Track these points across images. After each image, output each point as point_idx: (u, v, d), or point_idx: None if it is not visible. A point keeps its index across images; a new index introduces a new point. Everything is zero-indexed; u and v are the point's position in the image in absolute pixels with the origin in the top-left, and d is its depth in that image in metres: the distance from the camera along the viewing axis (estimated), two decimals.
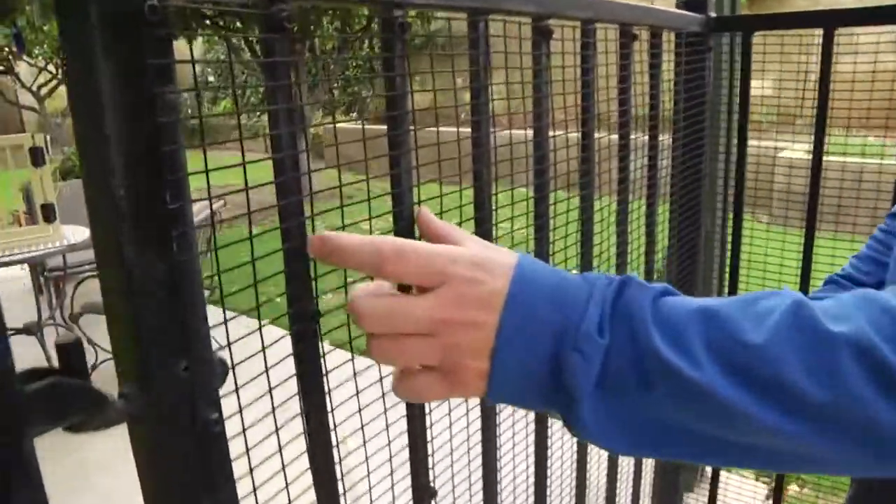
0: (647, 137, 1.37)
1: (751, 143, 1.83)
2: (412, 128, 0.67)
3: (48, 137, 4.43)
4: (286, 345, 0.59)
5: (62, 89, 13.47)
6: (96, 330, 4.10)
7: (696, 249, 1.70)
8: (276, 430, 0.61)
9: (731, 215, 1.84)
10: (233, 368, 0.53)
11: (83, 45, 0.42)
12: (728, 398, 0.44)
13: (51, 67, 13.25)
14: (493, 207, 0.84)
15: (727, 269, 1.88)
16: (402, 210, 0.67)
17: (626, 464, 1.56)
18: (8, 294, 5.61)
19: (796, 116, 2.03)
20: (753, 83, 1.56)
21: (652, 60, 1.30)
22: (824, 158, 1.56)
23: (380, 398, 0.71)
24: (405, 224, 0.67)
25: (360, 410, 0.70)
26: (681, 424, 0.48)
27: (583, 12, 0.98)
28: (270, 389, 0.58)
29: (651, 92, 1.33)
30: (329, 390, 0.64)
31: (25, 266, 4.49)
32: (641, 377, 0.47)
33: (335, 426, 0.66)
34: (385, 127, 0.65)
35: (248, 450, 0.56)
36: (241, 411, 0.54)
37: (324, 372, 0.63)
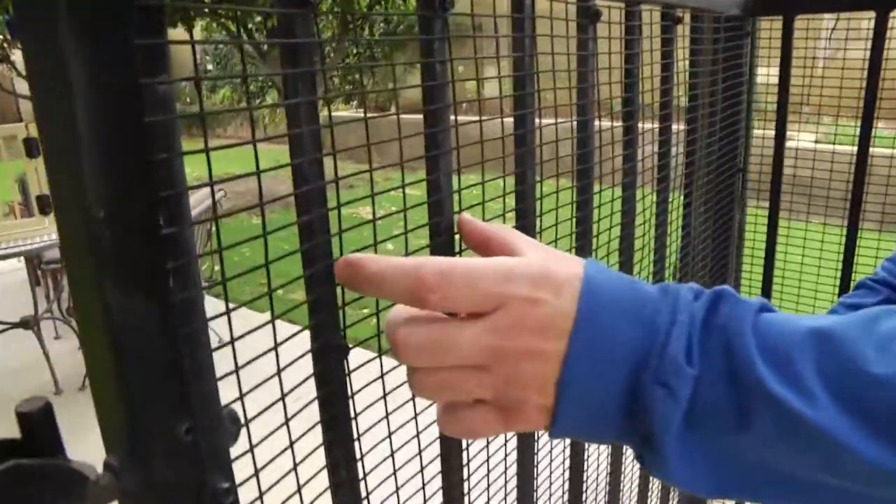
0: (683, 126, 1.26)
1: (756, 131, 1.72)
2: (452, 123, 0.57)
3: None
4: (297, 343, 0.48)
5: None
6: None
7: (729, 244, 1.60)
8: (294, 469, 0.50)
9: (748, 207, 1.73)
10: (237, 371, 0.42)
11: (46, 20, 0.31)
12: (845, 439, 0.36)
13: None
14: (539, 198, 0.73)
15: (742, 264, 1.78)
16: (440, 222, 0.57)
17: (656, 484, 1.47)
18: (4, 287, 5.51)
19: (802, 104, 1.92)
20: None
21: (693, 46, 1.19)
22: (853, 150, 1.45)
23: (412, 420, 0.61)
24: (444, 239, 0.57)
25: (390, 438, 0.60)
26: (782, 466, 0.39)
27: None
28: (287, 422, 0.48)
29: (690, 81, 1.23)
30: (359, 436, 0.53)
31: (22, 258, 4.39)
32: (739, 412, 0.39)
33: (362, 457, 0.56)
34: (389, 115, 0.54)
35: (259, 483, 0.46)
36: (247, 421, 0.44)
37: (352, 415, 0.52)
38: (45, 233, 3.96)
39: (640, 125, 0.98)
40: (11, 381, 4.01)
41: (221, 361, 0.40)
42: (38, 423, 0.34)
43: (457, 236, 0.58)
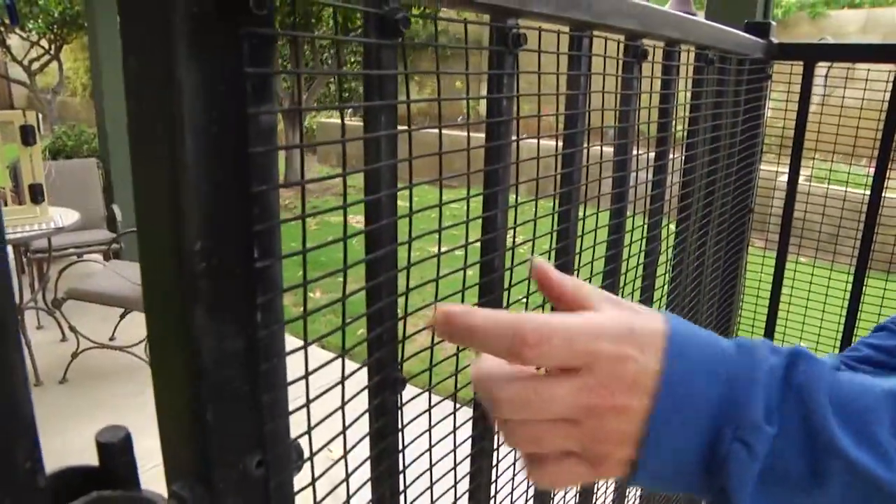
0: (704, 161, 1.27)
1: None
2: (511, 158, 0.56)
3: (40, 116, 4.27)
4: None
5: (54, 65, 13.20)
6: (79, 316, 3.96)
7: (736, 283, 1.60)
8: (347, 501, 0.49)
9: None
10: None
11: (159, 44, 0.31)
12: None
13: (43, 42, 12.97)
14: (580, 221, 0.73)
15: (741, 303, 1.79)
16: (493, 259, 0.56)
17: None
18: None
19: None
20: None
21: (719, 88, 1.20)
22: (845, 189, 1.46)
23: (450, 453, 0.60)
24: (496, 276, 0.56)
25: (431, 470, 0.59)
26: None
27: (672, 31, 0.88)
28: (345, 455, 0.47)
29: (714, 123, 1.23)
30: (404, 468, 0.53)
31: (9, 245, 4.33)
32: (813, 473, 0.39)
33: (405, 489, 0.55)
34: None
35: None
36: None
37: (401, 447, 0.52)
38: (35, 221, 3.91)
39: (671, 155, 0.98)
40: None
41: None
42: (118, 453, 0.33)
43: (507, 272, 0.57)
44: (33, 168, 3.87)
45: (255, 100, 0.33)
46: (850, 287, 1.53)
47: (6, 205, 4.17)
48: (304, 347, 0.38)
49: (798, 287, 1.83)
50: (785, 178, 1.65)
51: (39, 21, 12.50)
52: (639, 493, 1.39)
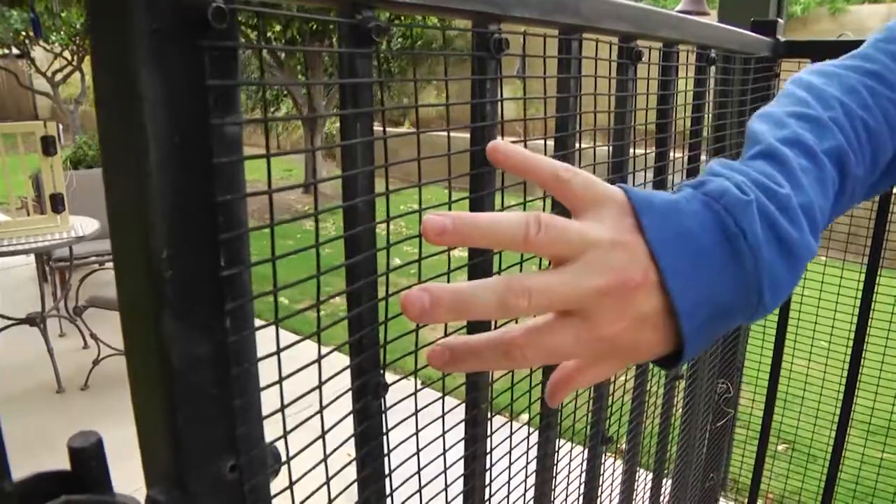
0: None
1: None
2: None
3: (60, 126, 4.35)
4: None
5: (76, 76, 13.40)
6: (100, 324, 4.01)
7: None
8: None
9: None
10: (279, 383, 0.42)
11: (122, 58, 0.31)
12: None
13: (66, 54, 13.19)
14: None
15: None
16: (482, 262, 0.56)
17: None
18: (12, 282, 5.52)
19: None
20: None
21: (723, 87, 1.20)
22: None
23: (440, 456, 0.60)
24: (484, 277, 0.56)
25: (419, 474, 0.59)
26: None
27: (669, 32, 0.87)
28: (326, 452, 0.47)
29: (718, 122, 1.23)
30: (390, 472, 0.53)
31: (31, 254, 4.40)
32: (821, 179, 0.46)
33: (391, 492, 0.55)
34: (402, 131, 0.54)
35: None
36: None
37: (386, 451, 0.52)
38: (56, 231, 3.97)
39: (672, 155, 0.98)
40: (15, 378, 4.01)
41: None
42: (89, 458, 0.34)
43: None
44: (54, 178, 3.93)
45: (218, 111, 0.34)
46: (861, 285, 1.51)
47: (28, 214, 4.24)
48: (277, 353, 0.39)
49: (809, 286, 1.82)
50: None
51: (62, 33, 12.71)
52: (648, 487, 1.38)
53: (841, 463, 1.79)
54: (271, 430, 0.43)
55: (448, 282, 0.56)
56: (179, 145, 0.33)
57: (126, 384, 0.37)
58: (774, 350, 1.74)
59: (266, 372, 0.40)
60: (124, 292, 0.36)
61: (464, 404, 0.64)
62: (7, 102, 17.11)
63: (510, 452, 0.73)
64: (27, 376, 4.03)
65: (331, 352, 0.43)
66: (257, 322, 0.38)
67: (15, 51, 13.21)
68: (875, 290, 1.55)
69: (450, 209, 0.54)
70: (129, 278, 0.35)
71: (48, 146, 3.87)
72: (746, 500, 2.09)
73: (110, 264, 4.96)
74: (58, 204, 3.99)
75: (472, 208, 0.57)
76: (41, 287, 4.33)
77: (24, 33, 12.24)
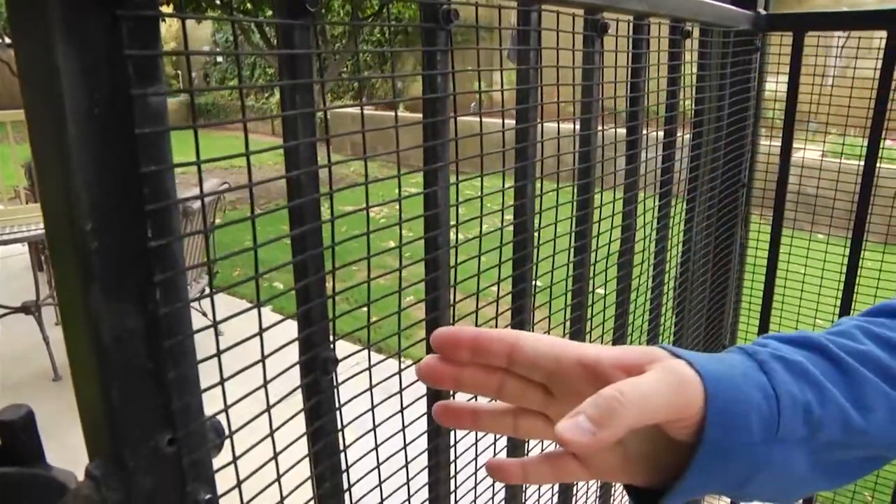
0: (687, 136, 1.25)
1: (762, 142, 1.71)
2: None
3: None
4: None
5: None
6: None
7: (730, 258, 1.59)
8: (278, 480, 0.50)
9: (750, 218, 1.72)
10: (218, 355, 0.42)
11: (36, 29, 0.31)
12: None
13: None
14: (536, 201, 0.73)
15: (744, 279, 1.77)
16: (437, 235, 0.56)
17: None
18: (7, 271, 5.52)
19: (810, 118, 1.91)
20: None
21: (701, 60, 1.19)
22: (859, 164, 1.44)
23: (399, 432, 0.60)
24: (441, 253, 0.56)
25: (376, 449, 0.59)
26: None
27: (639, 4, 0.87)
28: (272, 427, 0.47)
29: (697, 95, 1.22)
30: (345, 447, 0.53)
31: (25, 243, 4.40)
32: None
33: (347, 468, 0.56)
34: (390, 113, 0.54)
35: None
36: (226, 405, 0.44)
37: (339, 427, 0.52)
38: None
39: (644, 131, 0.97)
40: (10, 367, 4.01)
41: (208, 367, 0.40)
42: (20, 431, 0.34)
43: (452, 250, 0.58)
44: None
45: (139, 81, 0.33)
46: (847, 257, 1.51)
47: (22, 202, 4.23)
48: (214, 326, 0.39)
49: (795, 256, 1.82)
50: (801, 154, 1.62)
51: None
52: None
53: None
54: (219, 404, 0.43)
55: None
56: (99, 116, 0.32)
57: None
58: (760, 321, 1.75)
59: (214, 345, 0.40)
60: (57, 267, 0.36)
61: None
62: None
63: (476, 444, 0.72)
64: (23, 365, 4.04)
65: (274, 325, 0.43)
66: (242, 303, 0.39)
67: (7, 40, 13.14)
68: (860, 263, 1.55)
69: (399, 188, 0.54)
70: (58, 253, 0.35)
71: None
72: None
73: None
74: None
75: (426, 181, 0.57)
76: (35, 275, 4.33)
77: None
